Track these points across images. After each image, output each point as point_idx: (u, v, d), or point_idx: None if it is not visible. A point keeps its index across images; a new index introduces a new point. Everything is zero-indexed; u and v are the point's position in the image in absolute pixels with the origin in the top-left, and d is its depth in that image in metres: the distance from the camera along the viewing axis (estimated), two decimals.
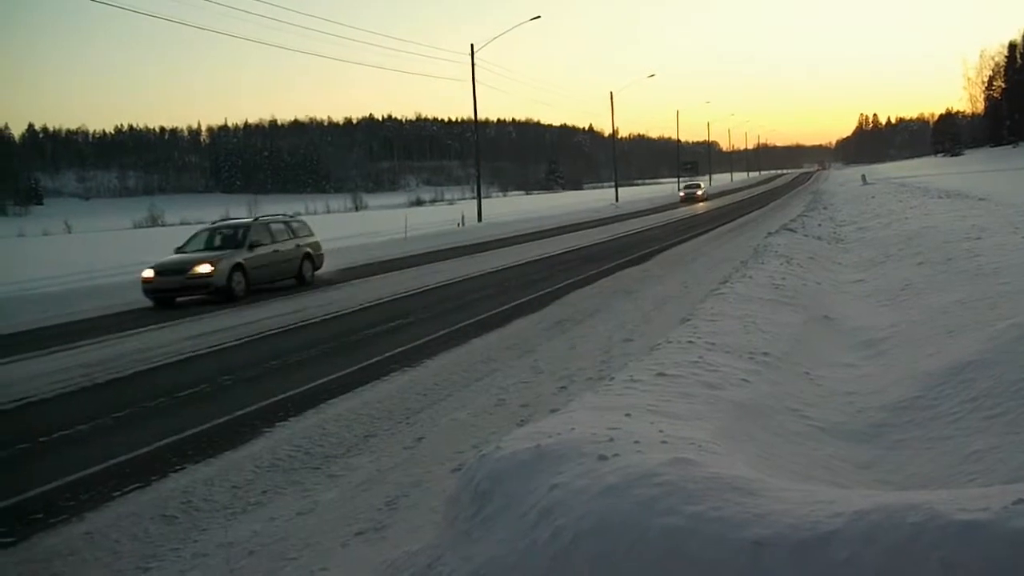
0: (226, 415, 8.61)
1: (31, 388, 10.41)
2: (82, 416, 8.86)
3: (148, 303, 18.52)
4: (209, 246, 20.37)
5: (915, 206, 27.30)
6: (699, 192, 73.36)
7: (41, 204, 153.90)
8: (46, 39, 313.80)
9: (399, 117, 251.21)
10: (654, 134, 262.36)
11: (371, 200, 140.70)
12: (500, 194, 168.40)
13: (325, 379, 10.03)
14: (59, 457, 7.66)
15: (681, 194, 73.25)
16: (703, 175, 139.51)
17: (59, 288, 21.55)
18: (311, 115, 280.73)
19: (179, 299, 18.63)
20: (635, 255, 23.91)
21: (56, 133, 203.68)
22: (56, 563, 5.42)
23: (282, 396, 9.29)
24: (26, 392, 10.23)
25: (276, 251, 20.67)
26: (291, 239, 21.57)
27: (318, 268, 22.62)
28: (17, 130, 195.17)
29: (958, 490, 3.71)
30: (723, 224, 36.67)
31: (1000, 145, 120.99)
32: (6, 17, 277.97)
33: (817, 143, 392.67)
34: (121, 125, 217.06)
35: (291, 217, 23.99)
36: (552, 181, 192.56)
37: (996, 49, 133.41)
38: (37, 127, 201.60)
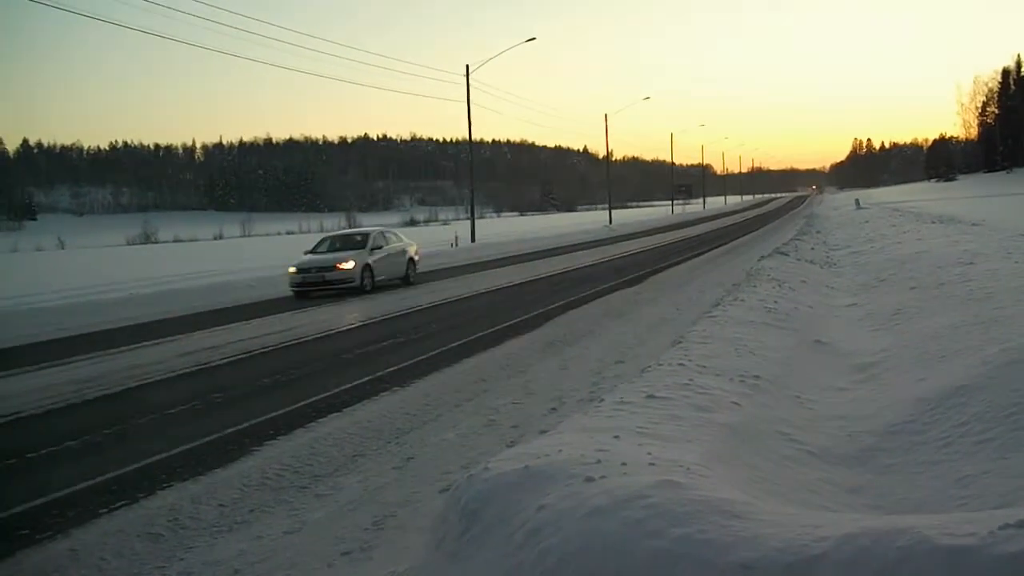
0: (216, 433, 8.58)
1: (21, 404, 10.36)
2: (71, 432, 8.82)
3: (141, 321, 18.45)
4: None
5: (908, 231, 27.39)
6: (346, 266, 22.95)
7: (35, 219, 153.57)
8: (41, 54, 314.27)
9: (394, 137, 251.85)
10: (648, 156, 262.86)
11: (365, 219, 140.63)
12: (495, 215, 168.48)
13: (316, 398, 9.99)
14: (47, 473, 7.61)
15: (292, 270, 23.23)
16: (696, 198, 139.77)
17: (52, 303, 21.50)
18: (306, 134, 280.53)
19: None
20: (627, 277, 23.92)
21: (50, 148, 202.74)
22: None
23: (273, 415, 9.26)
24: (17, 408, 10.18)
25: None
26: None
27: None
28: (11, 145, 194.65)
29: (946, 515, 3.69)
30: (708, 251, 36.72)
31: (993, 171, 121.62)
32: (0, 31, 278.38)
33: (811, 167, 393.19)
34: (116, 141, 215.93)
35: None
36: (547, 202, 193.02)
37: (989, 75, 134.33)
38: (31, 142, 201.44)
